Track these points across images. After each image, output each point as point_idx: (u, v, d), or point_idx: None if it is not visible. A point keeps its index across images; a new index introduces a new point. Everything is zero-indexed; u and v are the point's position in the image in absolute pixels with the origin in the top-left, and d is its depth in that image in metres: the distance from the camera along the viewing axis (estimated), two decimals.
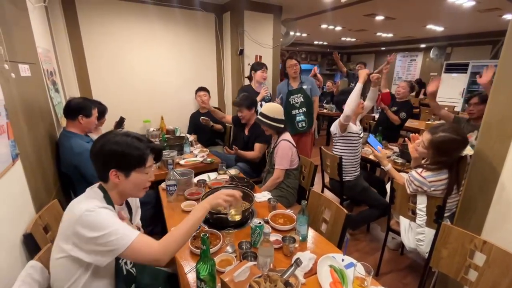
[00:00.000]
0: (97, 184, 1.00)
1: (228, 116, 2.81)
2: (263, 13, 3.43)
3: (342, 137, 2.21)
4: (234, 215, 1.15)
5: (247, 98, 2.49)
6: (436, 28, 5.79)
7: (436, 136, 1.49)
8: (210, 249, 1.14)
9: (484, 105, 2.29)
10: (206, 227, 1.36)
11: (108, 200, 0.96)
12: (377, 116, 3.87)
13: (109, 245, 0.82)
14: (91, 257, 0.84)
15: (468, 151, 1.48)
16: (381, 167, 1.93)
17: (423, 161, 1.73)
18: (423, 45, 7.78)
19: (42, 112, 1.74)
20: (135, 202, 1.23)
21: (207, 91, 3.35)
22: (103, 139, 0.96)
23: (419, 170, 1.55)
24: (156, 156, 1.04)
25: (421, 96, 7.69)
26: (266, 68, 3.02)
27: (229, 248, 1.19)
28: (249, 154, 2.47)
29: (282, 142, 2.01)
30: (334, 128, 2.25)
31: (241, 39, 3.35)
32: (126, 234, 0.85)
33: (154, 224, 2.29)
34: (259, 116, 2.05)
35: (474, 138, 2.31)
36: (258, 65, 3.00)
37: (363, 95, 2.21)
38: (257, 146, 2.47)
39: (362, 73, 2.07)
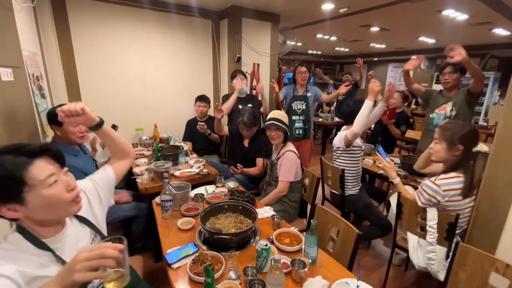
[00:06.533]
0: (14, 225, 0.76)
1: (225, 128, 2.66)
2: (261, 21, 3.39)
3: (345, 151, 2.13)
4: (109, 283, 0.67)
5: (254, 115, 2.36)
6: (428, 40, 5.92)
7: (445, 127, 1.53)
8: None
9: (458, 74, 2.26)
10: (205, 248, 1.24)
11: (33, 240, 0.73)
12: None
13: None
14: None
15: (482, 147, 1.43)
16: (389, 180, 1.84)
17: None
18: (414, 57, 7.95)
19: (25, 119, 1.60)
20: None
21: (208, 101, 3.17)
22: None
23: (433, 178, 1.48)
24: (56, 158, 0.76)
25: (413, 106, 7.84)
26: (243, 73, 2.97)
27: (232, 274, 1.07)
28: (253, 171, 2.39)
29: (287, 153, 1.92)
30: (338, 141, 2.15)
31: (239, 46, 3.29)
32: None
33: (145, 239, 2.14)
34: (275, 122, 1.90)
35: (449, 109, 2.28)
36: (233, 74, 3.03)
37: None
38: (259, 161, 2.40)
39: (373, 88, 1.86)
